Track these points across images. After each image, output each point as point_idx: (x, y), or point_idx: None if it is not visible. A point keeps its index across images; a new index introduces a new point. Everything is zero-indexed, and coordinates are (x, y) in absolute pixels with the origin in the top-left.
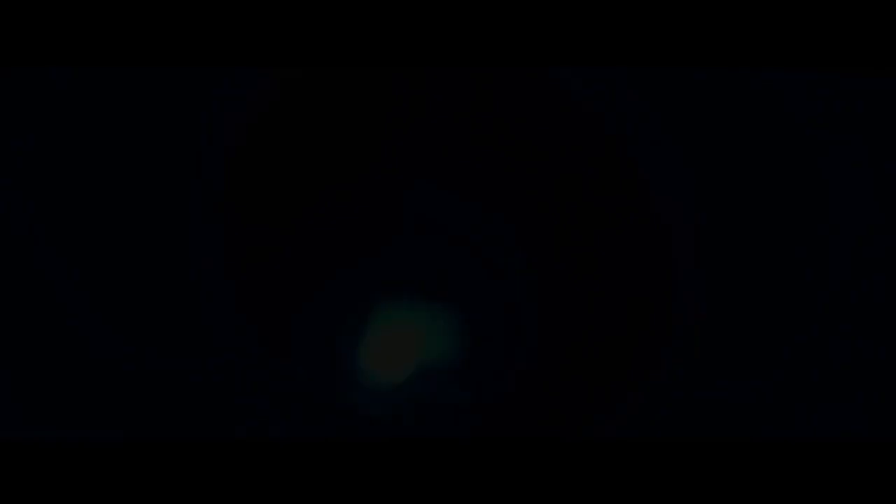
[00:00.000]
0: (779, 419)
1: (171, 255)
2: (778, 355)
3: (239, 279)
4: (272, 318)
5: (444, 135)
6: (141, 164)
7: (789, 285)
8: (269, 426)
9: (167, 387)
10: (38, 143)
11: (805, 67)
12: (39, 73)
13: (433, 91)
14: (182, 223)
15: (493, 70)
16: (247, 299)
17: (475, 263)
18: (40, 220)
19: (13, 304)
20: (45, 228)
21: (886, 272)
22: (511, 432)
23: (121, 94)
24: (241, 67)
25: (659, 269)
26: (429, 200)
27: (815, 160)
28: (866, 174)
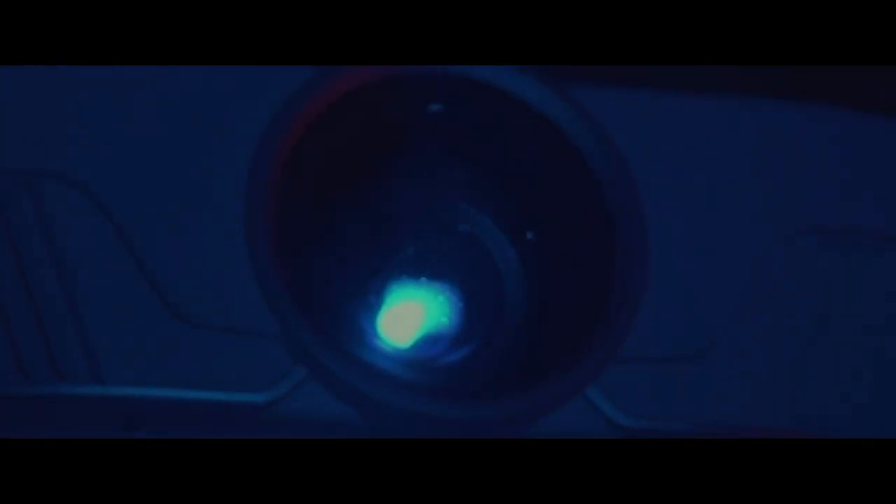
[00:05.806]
0: (771, 416)
1: (181, 252)
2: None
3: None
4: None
5: (441, 133)
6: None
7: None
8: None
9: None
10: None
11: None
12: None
13: (429, 90)
14: (189, 222)
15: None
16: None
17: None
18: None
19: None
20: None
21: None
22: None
23: (129, 94)
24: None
25: (644, 265)
26: (425, 197)
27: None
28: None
